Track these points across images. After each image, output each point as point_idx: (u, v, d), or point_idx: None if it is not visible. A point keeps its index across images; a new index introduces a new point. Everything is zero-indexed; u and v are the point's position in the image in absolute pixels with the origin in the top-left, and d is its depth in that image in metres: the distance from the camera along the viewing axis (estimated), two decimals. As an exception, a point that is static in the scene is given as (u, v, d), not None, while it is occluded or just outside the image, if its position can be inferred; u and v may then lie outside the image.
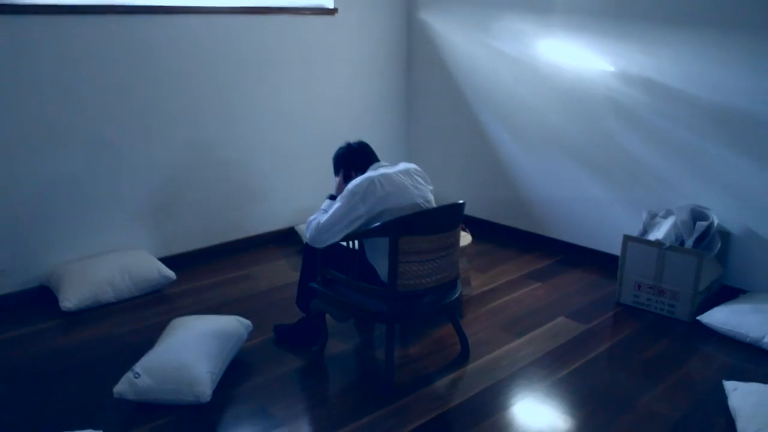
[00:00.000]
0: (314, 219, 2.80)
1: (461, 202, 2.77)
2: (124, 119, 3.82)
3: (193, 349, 2.77)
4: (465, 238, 3.55)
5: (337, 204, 2.73)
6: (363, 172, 2.89)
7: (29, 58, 3.43)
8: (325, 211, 2.81)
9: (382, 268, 2.75)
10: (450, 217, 2.73)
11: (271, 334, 3.27)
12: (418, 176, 2.86)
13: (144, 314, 3.55)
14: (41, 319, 3.48)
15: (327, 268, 2.96)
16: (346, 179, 2.93)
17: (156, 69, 3.88)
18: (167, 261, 4.04)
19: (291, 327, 3.22)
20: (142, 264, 3.78)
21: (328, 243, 2.75)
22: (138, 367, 2.68)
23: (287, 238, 4.69)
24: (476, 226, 4.87)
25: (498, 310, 3.58)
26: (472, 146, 4.85)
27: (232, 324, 3.05)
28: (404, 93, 5.22)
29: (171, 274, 3.83)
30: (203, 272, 4.12)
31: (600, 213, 4.18)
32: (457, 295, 2.89)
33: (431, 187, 2.91)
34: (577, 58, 4.05)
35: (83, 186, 3.75)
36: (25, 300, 3.66)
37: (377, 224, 2.64)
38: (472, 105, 4.77)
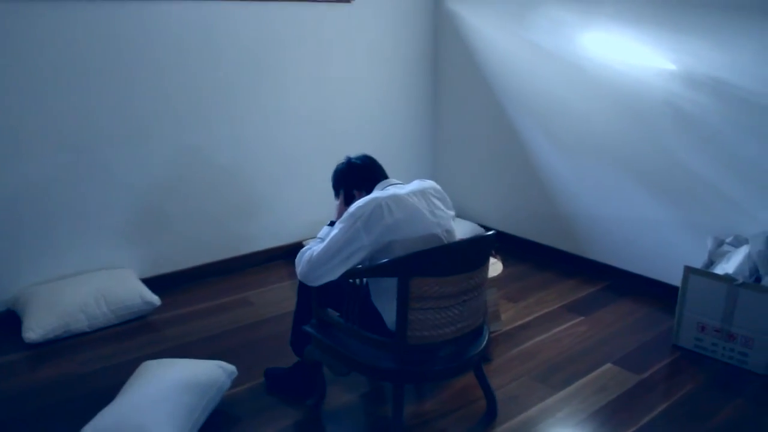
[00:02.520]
0: (307, 249, 2.28)
1: (491, 233, 2.21)
2: (102, 119, 3.34)
3: (157, 407, 2.27)
4: (495, 268, 3.00)
5: (334, 231, 2.20)
6: (368, 192, 2.36)
7: (-10, 49, 2.98)
8: (322, 240, 2.28)
9: (389, 313, 2.22)
10: (477, 253, 2.18)
11: (262, 379, 2.76)
12: (436, 198, 2.31)
13: (120, 348, 3.07)
14: (1, 350, 3.02)
15: (324, 306, 2.43)
16: (348, 201, 2.40)
17: (144, 61, 3.40)
18: (154, 281, 3.57)
19: (285, 372, 2.71)
20: (121, 287, 3.29)
21: (324, 280, 2.22)
22: (89, 429, 2.20)
23: (294, 254, 4.17)
24: (508, 243, 4.31)
25: (532, 353, 3.01)
26: (506, 154, 4.27)
27: (212, 371, 2.54)
28: (429, 93, 4.66)
29: (154, 299, 3.34)
30: (195, 295, 3.63)
31: (655, 236, 3.57)
32: (483, 345, 2.34)
33: (453, 212, 2.35)
34: (631, 54, 3.44)
35: (55, 196, 3.28)
36: (-13, 327, 3.20)
37: (384, 261, 2.10)
38: (506, 107, 4.19)
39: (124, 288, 3.30)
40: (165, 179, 3.60)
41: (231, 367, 2.62)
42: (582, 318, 3.37)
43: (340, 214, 2.37)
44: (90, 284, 3.26)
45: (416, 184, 2.33)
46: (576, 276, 3.88)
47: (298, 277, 2.28)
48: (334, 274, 2.19)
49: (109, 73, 3.30)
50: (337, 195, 2.51)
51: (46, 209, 3.26)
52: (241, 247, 3.99)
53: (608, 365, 2.91)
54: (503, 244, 4.38)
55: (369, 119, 4.35)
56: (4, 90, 3.04)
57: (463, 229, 4.26)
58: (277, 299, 3.57)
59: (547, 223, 4.13)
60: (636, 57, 3.43)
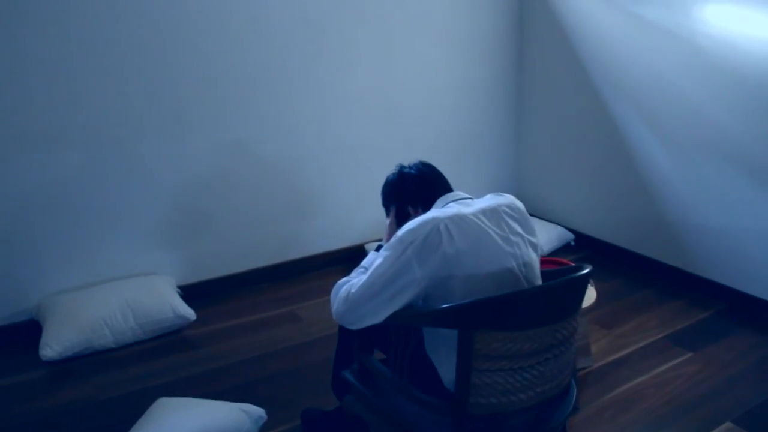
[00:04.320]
0: (345, 283, 1.80)
1: (587, 270, 1.65)
2: (135, 108, 2.96)
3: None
4: (589, 296, 2.44)
5: (378, 261, 1.70)
6: (425, 209, 1.85)
7: (3, 27, 2.62)
8: (365, 270, 1.79)
9: (447, 368, 1.71)
10: (568, 298, 1.64)
11: (298, 421, 2.32)
12: (513, 219, 1.76)
13: (144, 369, 2.70)
14: (15, 368, 2.71)
15: (368, 349, 1.96)
16: (401, 221, 1.90)
17: (182, 43, 3.00)
18: (192, 289, 3.21)
19: (324, 417, 2.25)
20: (151, 299, 2.92)
21: (365, 324, 1.73)
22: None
23: (354, 260, 3.70)
24: (600, 252, 3.72)
25: (629, 401, 2.44)
26: (602, 149, 3.66)
27: (236, 418, 2.12)
28: (512, 77, 4.07)
29: (188, 313, 2.96)
30: (236, 307, 3.23)
31: (787, 255, 2.91)
32: (569, 411, 1.80)
33: (535, 239, 1.81)
34: (765, 31, 2.77)
35: (82, 194, 2.94)
36: (9, 338, 2.90)
37: (439, 308, 1.58)
38: (603, 95, 3.56)
39: (155, 300, 2.92)
40: (205, 175, 3.20)
41: (258, 411, 2.19)
42: (691, 354, 2.75)
43: (390, 237, 1.87)
44: (118, 294, 2.90)
45: (488, 200, 1.80)
46: (682, 297, 3.24)
47: (334, 317, 1.79)
48: (378, 317, 1.69)
49: (142, 55, 2.91)
50: (387, 213, 2.00)
51: (73, 208, 2.93)
52: (291, 252, 3.56)
53: (727, 425, 2.30)
54: (594, 252, 3.78)
55: (440, 107, 3.81)
56: (26, 73, 2.69)
57: (548, 236, 3.69)
58: (328, 315, 3.07)
59: (648, 230, 3.49)
60: (771, 32, 2.75)
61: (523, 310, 1.56)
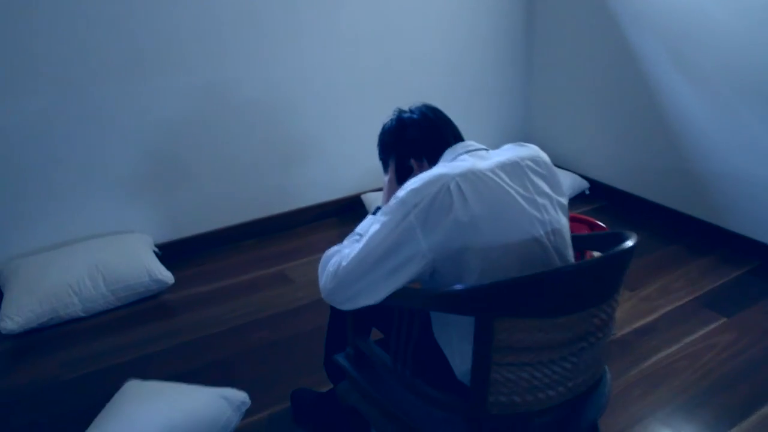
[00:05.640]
0: (335, 253, 1.48)
1: (632, 243, 1.33)
2: (97, 47, 2.60)
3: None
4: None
5: (374, 227, 1.38)
6: (431, 162, 1.53)
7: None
8: (360, 238, 1.48)
9: (459, 357, 1.43)
10: (608, 277, 1.33)
11: (287, 403, 2.06)
12: (538, 176, 1.44)
13: (117, 342, 2.42)
14: (-27, 342, 2.43)
15: (364, 330, 1.67)
16: (401, 178, 1.57)
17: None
18: (170, 248, 2.92)
19: (316, 399, 1.99)
20: (124, 261, 2.62)
21: (359, 304, 1.42)
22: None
23: (349, 211, 3.41)
24: (619, 202, 3.43)
25: (659, 377, 2.17)
26: (621, 88, 3.30)
27: (213, 406, 1.85)
28: (524, 5, 3.66)
29: (166, 276, 2.67)
30: (221, 267, 2.94)
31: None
32: (604, 406, 1.52)
33: (565, 199, 1.49)
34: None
35: (41, 146, 2.61)
36: (-33, 306, 2.60)
37: (452, 289, 1.27)
38: (623, 26, 3.18)
39: (129, 262, 2.62)
40: (183, 121, 2.86)
41: (240, 397, 1.92)
42: (725, 320, 2.47)
43: (389, 198, 1.55)
44: (86, 257, 2.60)
45: (508, 151, 1.47)
46: (710, 254, 2.94)
47: (322, 295, 1.48)
48: (374, 296, 1.39)
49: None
50: (385, 168, 1.66)
51: (33, 162, 2.61)
52: (281, 204, 3.24)
53: (772, 404, 2.03)
54: (611, 203, 3.47)
55: (441, 39, 3.42)
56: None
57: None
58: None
59: (674, 180, 3.16)
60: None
61: (556, 294, 1.25)
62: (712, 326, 2.43)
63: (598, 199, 3.54)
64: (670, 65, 3.00)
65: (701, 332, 2.39)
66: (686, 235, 3.11)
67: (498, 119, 3.79)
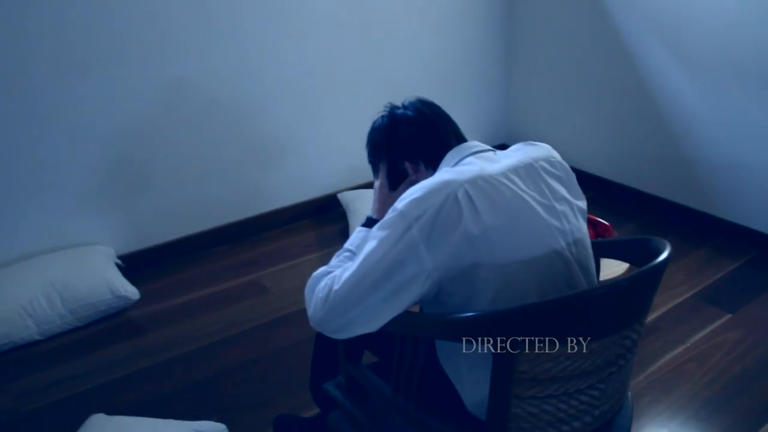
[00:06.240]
0: (324, 275, 1.28)
1: (666, 255, 1.18)
2: (44, 41, 2.35)
3: None
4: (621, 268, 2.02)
5: (371, 244, 1.19)
6: (429, 166, 1.35)
7: None
8: (352, 255, 1.30)
9: (469, 386, 1.26)
10: (642, 295, 1.17)
11: (269, 430, 1.87)
12: (555, 179, 1.28)
13: (79, 367, 2.20)
14: None
15: (356, 353, 1.49)
16: (394, 184, 1.39)
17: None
18: (135, 259, 2.71)
19: (302, 426, 1.80)
20: (83, 276, 2.40)
21: (353, 333, 1.24)
22: None
23: (326, 211, 3.21)
24: (609, 194, 3.31)
25: (669, 382, 2.03)
26: (608, 70, 3.16)
27: (185, 441, 1.64)
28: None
29: (131, 291, 2.45)
30: (188, 278, 2.74)
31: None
32: (628, 428, 1.37)
33: (584, 203, 1.33)
34: None
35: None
36: None
37: (463, 315, 1.10)
38: (611, 6, 3.04)
39: (88, 277, 2.40)
40: (144, 120, 2.63)
41: (218, 429, 1.72)
42: (729, 316, 2.35)
43: (381, 210, 1.37)
44: (41, 274, 2.37)
45: (519, 152, 1.30)
46: (705, 244, 2.83)
47: (311, 323, 1.29)
48: (372, 323, 1.20)
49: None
50: (375, 172, 1.47)
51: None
52: (252, 207, 3.04)
53: (791, 408, 1.91)
54: (600, 194, 3.33)
55: (419, 27, 3.24)
56: None
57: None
58: (300, 284, 2.61)
59: (666, 169, 3.03)
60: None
61: (590, 318, 1.08)
62: (717, 323, 2.30)
63: (587, 191, 3.37)
64: (660, 47, 2.87)
65: (706, 330, 2.27)
66: (679, 225, 2.99)
67: (477, 108, 3.62)
